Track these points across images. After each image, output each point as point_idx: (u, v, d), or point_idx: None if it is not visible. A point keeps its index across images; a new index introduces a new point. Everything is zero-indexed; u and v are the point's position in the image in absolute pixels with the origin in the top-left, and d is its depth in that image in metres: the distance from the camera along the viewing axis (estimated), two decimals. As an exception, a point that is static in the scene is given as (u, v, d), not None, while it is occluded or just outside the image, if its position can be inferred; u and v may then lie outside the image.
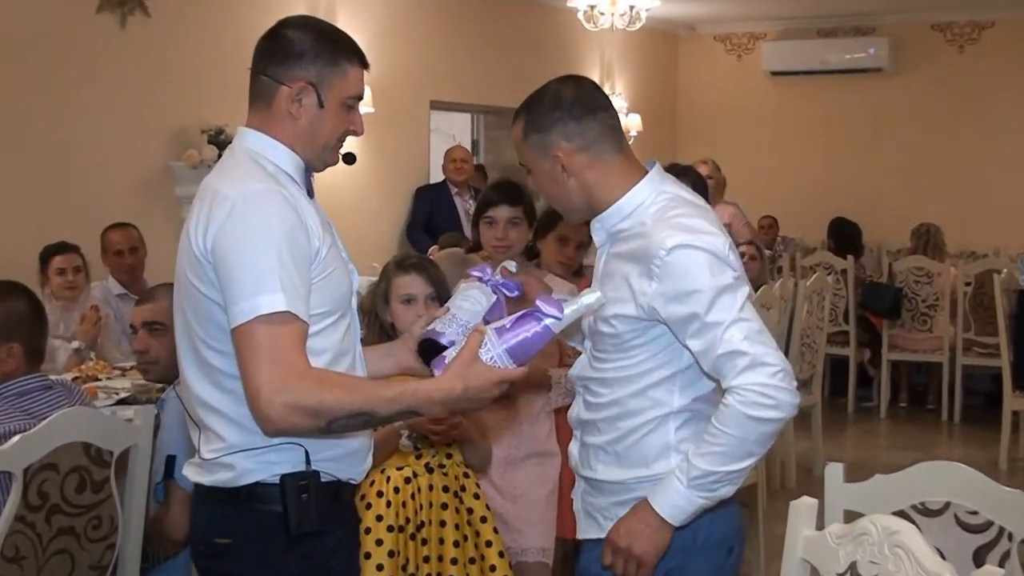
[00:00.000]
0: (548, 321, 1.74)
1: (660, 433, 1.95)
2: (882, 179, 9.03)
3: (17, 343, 2.55)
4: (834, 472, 1.95)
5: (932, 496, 1.89)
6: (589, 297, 1.78)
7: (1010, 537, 1.82)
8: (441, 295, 2.46)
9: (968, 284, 6.56)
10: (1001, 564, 1.80)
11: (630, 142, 2.06)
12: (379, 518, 2.41)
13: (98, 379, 3.66)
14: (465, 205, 6.76)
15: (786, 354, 4.83)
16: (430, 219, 6.90)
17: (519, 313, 1.76)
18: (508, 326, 1.74)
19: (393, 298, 2.55)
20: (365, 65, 1.91)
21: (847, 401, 6.96)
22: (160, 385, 3.03)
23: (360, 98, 1.91)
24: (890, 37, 9.06)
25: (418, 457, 2.50)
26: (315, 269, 1.79)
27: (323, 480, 1.84)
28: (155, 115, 5.59)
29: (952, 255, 7.40)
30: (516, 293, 1.99)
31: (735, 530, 2.03)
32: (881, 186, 9.00)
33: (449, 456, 2.54)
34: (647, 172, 2.00)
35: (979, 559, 1.83)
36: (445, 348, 1.87)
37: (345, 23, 6.20)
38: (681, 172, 3.25)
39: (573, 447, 2.10)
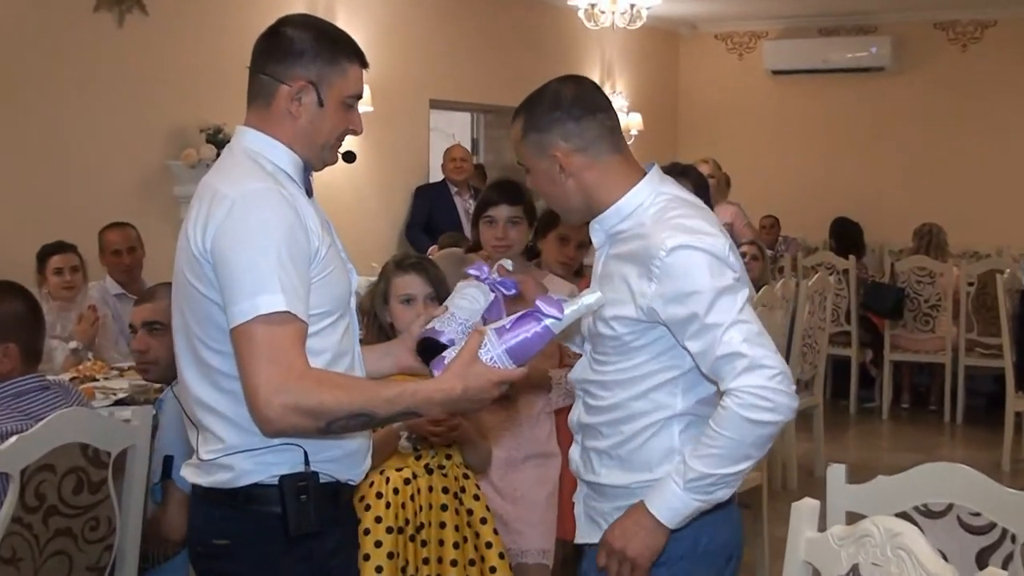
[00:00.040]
0: (548, 321, 1.73)
1: (664, 436, 1.94)
2: (884, 178, 9.03)
3: (14, 343, 2.55)
4: (836, 473, 1.95)
5: (935, 498, 1.88)
6: (589, 297, 1.78)
7: (1013, 539, 1.81)
8: (440, 295, 2.45)
9: (971, 284, 6.55)
10: (1004, 566, 1.79)
11: (631, 141, 2.05)
12: (378, 519, 2.40)
13: (96, 379, 3.65)
14: (465, 204, 6.75)
15: (788, 354, 4.85)
16: (429, 219, 6.89)
17: (519, 313, 1.75)
18: (508, 326, 1.74)
19: (392, 298, 2.54)
20: (365, 64, 1.91)
21: (849, 402, 6.95)
22: (158, 386, 3.02)
23: (360, 97, 1.91)
24: (892, 36, 9.06)
25: (417, 458, 2.49)
26: (314, 269, 1.79)
27: (322, 481, 1.83)
28: (153, 114, 5.58)
29: (954, 255, 7.40)
30: (513, 291, 1.99)
31: (735, 538, 2.02)
32: (883, 186, 8.99)
33: (449, 457, 2.53)
34: (646, 173, 1.99)
35: (982, 561, 1.83)
36: (444, 347, 1.87)
37: (344, 21, 6.20)
38: (682, 171, 3.24)
39: (574, 451, 2.09)
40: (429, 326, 1.95)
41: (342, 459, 1.87)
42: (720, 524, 1.96)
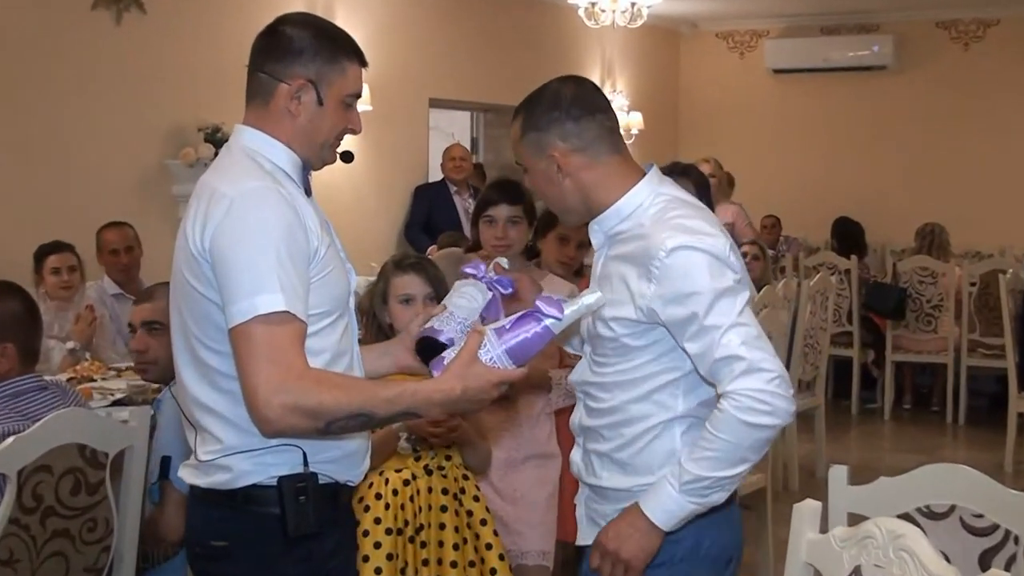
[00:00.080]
0: (548, 322, 1.73)
1: (665, 439, 1.93)
2: (886, 178, 9.01)
3: (11, 343, 2.55)
4: (838, 475, 1.94)
5: (937, 499, 1.88)
6: (590, 298, 1.77)
7: (1016, 540, 1.81)
8: (440, 295, 2.44)
9: (973, 284, 6.54)
10: (1007, 568, 1.79)
11: (631, 141, 2.05)
12: (377, 521, 2.39)
13: (93, 380, 3.64)
14: (464, 204, 6.74)
15: (789, 355, 4.84)
16: (429, 218, 6.88)
17: (519, 314, 1.75)
18: (508, 327, 1.73)
19: (391, 298, 2.53)
20: (364, 63, 1.90)
21: (851, 403, 6.94)
22: (156, 386, 3.01)
23: (359, 96, 1.91)
24: (894, 35, 9.04)
25: (417, 459, 2.48)
26: (313, 269, 1.78)
27: (321, 482, 1.83)
28: (151, 113, 5.57)
29: (957, 255, 7.38)
30: (511, 289, 1.99)
31: (736, 540, 2.02)
32: (885, 185, 8.97)
33: (448, 458, 2.52)
34: (645, 174, 1.98)
35: (985, 563, 1.82)
36: (443, 346, 1.86)
37: (343, 20, 6.18)
38: (683, 171, 3.23)
39: (575, 454, 2.09)
40: (428, 325, 1.94)
41: (341, 460, 1.86)
42: (722, 526, 1.95)
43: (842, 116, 9.22)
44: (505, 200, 2.97)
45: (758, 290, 4.40)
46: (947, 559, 1.50)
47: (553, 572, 3.02)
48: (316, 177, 1.96)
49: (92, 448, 2.34)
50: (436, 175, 7.23)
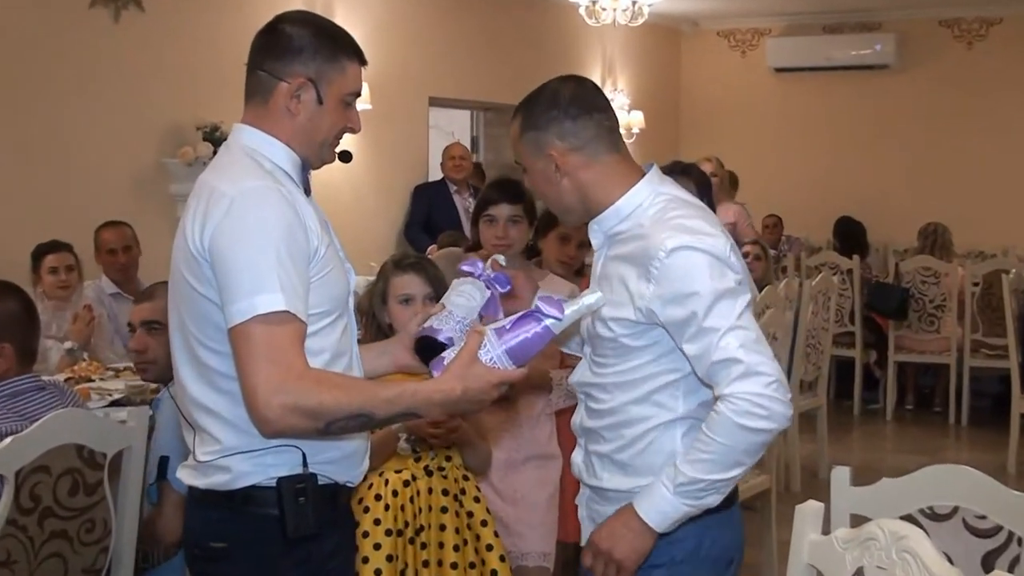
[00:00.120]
0: (548, 322, 1.72)
1: (666, 441, 1.92)
2: (888, 177, 9.00)
3: (9, 343, 2.55)
4: (840, 476, 1.94)
5: (940, 500, 1.87)
6: (590, 298, 1.76)
7: (1019, 542, 1.80)
8: (439, 295, 2.43)
9: (976, 284, 6.53)
10: (1011, 569, 1.78)
11: (632, 139, 2.04)
12: (377, 522, 2.39)
13: (91, 380, 3.64)
14: (464, 203, 6.73)
15: (791, 355, 4.82)
16: (429, 218, 6.88)
17: (519, 314, 1.74)
18: (508, 327, 1.73)
19: (391, 298, 2.52)
20: (363, 61, 1.90)
21: (853, 403, 6.93)
22: (155, 386, 3.01)
23: (358, 95, 1.90)
24: (896, 33, 9.03)
25: (417, 460, 2.47)
26: (313, 268, 1.78)
27: (320, 483, 1.82)
28: (149, 111, 5.56)
29: (960, 255, 7.37)
30: (508, 287, 1.99)
31: (737, 541, 2.02)
32: (887, 185, 8.96)
33: (448, 459, 2.51)
34: (644, 173, 1.97)
35: (988, 564, 1.81)
36: (442, 345, 1.86)
37: (343, 18, 6.17)
38: (684, 170, 3.22)
39: (577, 455, 2.08)
40: (427, 324, 1.94)
41: (340, 461, 1.85)
42: (723, 528, 1.95)
43: (844, 115, 9.20)
44: (505, 199, 2.96)
45: (760, 290, 4.39)
46: (950, 561, 1.49)
47: (554, 573, 3.01)
48: (316, 176, 1.96)
49: (90, 449, 2.34)
50: (436, 174, 7.22)
